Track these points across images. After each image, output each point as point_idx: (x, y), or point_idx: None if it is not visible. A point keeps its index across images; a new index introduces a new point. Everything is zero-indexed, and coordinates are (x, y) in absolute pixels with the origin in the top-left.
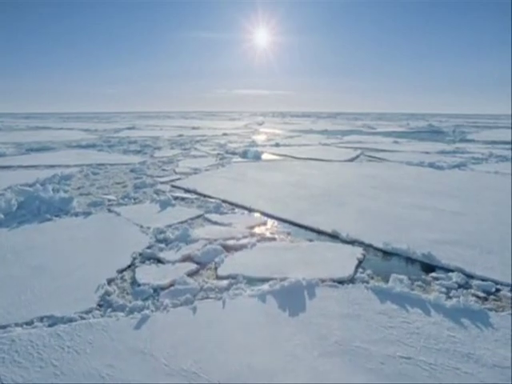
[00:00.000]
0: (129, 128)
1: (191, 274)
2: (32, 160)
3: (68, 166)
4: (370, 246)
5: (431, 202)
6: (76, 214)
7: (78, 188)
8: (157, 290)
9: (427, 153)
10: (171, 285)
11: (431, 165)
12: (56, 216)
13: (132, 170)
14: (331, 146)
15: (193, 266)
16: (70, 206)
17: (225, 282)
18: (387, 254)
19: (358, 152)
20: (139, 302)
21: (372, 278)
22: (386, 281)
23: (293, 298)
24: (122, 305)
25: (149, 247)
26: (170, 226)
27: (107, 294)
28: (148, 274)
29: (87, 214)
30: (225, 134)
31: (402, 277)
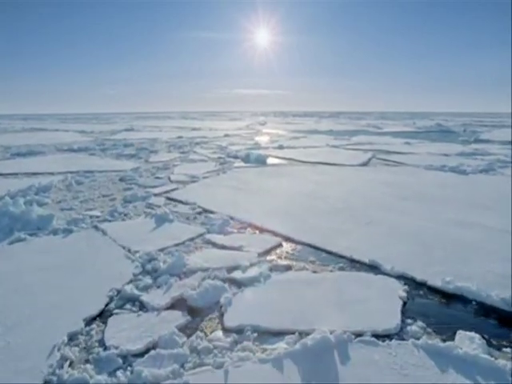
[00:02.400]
0: (126, 129)
1: (182, 328)
2: (14, 166)
3: (51, 174)
4: (421, 283)
5: (475, 217)
6: (55, 233)
7: (59, 202)
8: (127, 356)
9: (445, 155)
10: (148, 349)
11: (454, 169)
12: (31, 235)
13: (122, 179)
14: (339, 147)
15: (184, 318)
16: (50, 223)
17: (227, 340)
18: (446, 295)
19: (370, 155)
20: (104, 378)
21: (427, 331)
22: (447, 336)
23: (319, 363)
24: (78, 379)
25: (132, 282)
26: (162, 249)
27: (63, 359)
28: (122, 331)
29: (68, 232)
30: (226, 136)
31: (471, 334)
